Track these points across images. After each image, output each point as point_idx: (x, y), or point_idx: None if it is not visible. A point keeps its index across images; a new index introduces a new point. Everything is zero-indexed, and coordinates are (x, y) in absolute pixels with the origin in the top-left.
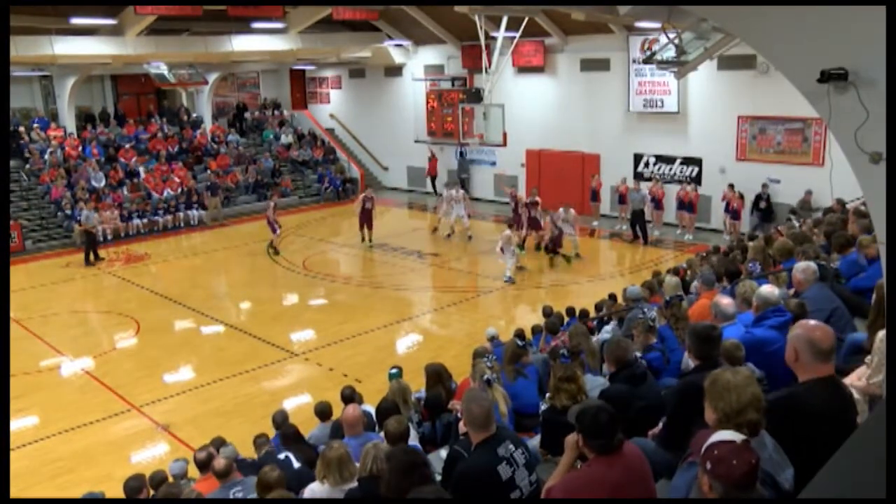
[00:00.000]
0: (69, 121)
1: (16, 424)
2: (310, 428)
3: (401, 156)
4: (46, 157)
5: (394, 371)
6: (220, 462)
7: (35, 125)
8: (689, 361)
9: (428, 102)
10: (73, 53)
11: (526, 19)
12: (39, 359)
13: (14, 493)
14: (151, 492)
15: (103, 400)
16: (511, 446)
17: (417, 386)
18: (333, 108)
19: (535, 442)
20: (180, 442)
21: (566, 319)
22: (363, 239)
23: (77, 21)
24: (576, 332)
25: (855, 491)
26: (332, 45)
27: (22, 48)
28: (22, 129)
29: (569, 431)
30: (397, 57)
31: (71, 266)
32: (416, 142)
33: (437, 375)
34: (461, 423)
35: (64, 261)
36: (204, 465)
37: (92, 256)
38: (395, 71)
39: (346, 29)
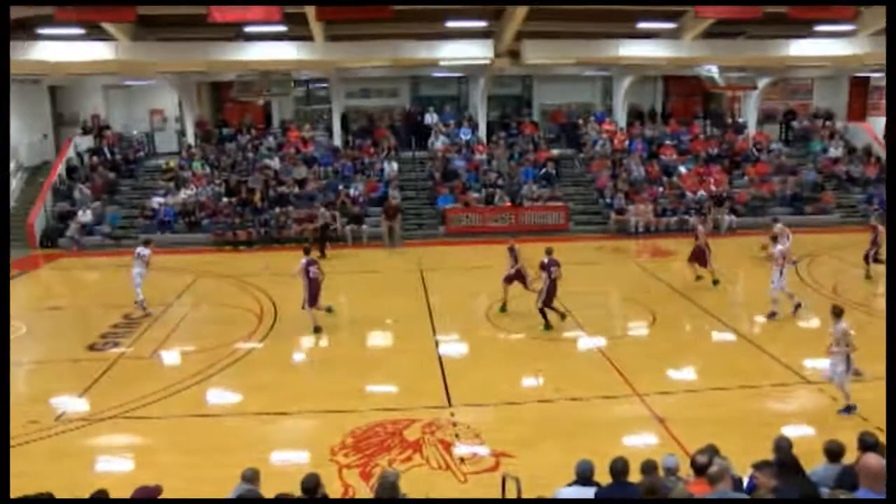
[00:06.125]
0: (621, 116)
1: (534, 381)
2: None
3: None
4: (598, 148)
5: None
6: (713, 467)
7: (592, 119)
8: None
9: None
10: (635, 55)
11: None
12: (563, 330)
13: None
14: (640, 477)
15: (610, 380)
16: None
17: None
18: None
19: None
20: (672, 437)
21: None
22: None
23: (642, 25)
24: None
25: None
26: None
27: (587, 51)
28: (581, 121)
29: None
30: None
31: (603, 250)
32: None
33: None
34: None
35: (598, 244)
36: (702, 469)
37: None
38: None
39: None
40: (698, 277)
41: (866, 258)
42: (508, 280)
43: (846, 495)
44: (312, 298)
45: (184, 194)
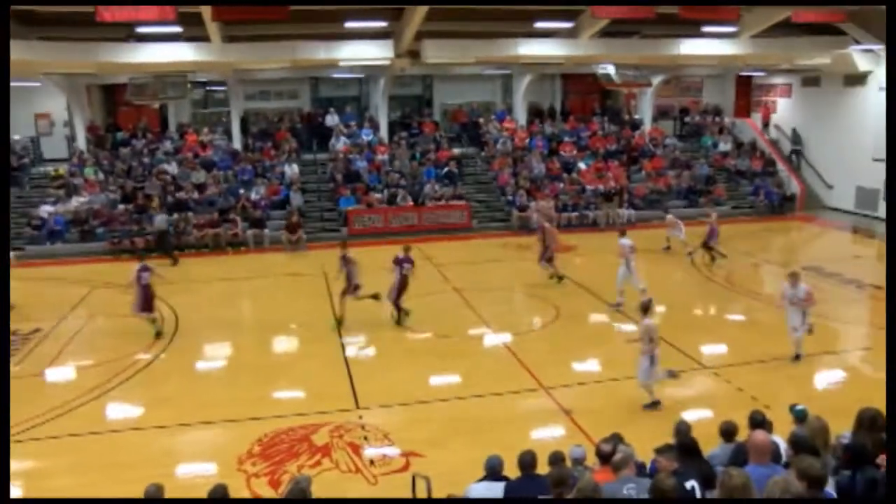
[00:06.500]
0: (521, 114)
1: (441, 380)
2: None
3: (850, 174)
4: (499, 146)
5: (799, 409)
6: (617, 455)
7: (492, 117)
8: None
9: None
10: (534, 54)
11: None
12: (469, 327)
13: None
14: (548, 469)
15: (517, 375)
16: None
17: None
18: (779, 117)
19: None
20: (579, 429)
21: None
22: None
23: (540, 25)
24: None
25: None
26: (787, 50)
27: (487, 50)
28: (482, 120)
29: None
30: (862, 64)
31: (507, 247)
32: (875, 160)
33: (871, 421)
34: None
35: (502, 241)
36: (607, 457)
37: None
38: (856, 80)
39: (806, 33)
40: (560, 278)
41: (705, 246)
42: (353, 291)
43: (738, 473)
44: (142, 304)
45: (76, 202)
